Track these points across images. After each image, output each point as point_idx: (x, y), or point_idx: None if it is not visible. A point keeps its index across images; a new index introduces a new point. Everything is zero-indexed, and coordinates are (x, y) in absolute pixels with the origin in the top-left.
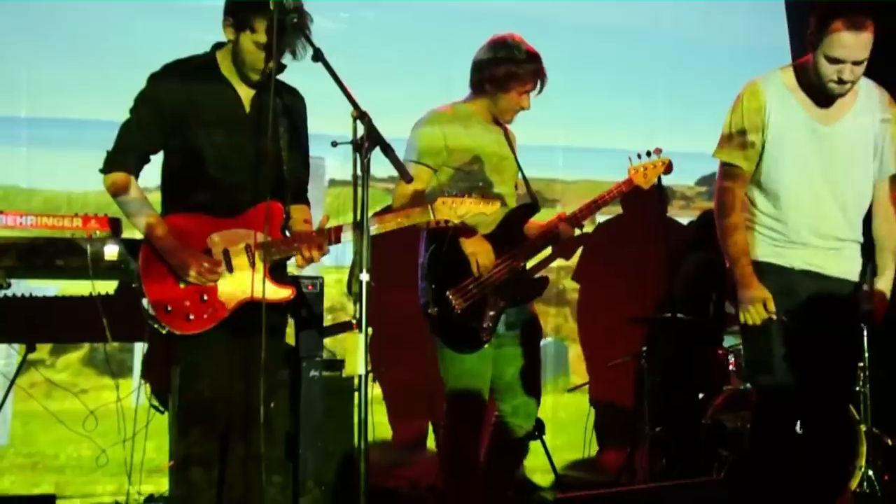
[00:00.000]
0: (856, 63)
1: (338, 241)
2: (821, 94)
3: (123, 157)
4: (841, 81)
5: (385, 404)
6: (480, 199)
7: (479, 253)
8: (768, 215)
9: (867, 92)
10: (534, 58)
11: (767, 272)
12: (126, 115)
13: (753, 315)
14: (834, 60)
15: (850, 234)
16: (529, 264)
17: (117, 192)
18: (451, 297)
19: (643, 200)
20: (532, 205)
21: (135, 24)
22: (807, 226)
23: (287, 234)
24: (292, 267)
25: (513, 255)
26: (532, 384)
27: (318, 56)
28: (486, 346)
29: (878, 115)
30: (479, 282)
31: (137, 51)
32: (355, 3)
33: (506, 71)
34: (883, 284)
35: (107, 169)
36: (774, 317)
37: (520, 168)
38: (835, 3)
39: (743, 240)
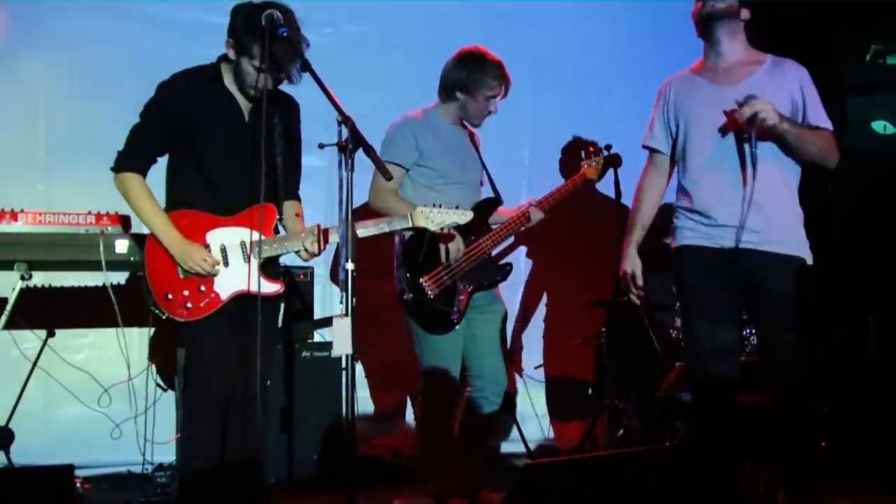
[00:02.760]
0: None
1: (325, 241)
2: (720, 68)
3: (132, 157)
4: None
5: (367, 381)
6: (455, 209)
7: (450, 244)
8: (696, 198)
9: (773, 61)
10: (498, 66)
11: (697, 254)
12: (136, 119)
13: (625, 291)
14: None
15: (782, 195)
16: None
17: (126, 189)
18: (424, 283)
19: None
20: (495, 199)
21: (143, 39)
22: (729, 199)
23: (280, 230)
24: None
25: (479, 244)
26: (500, 361)
27: (305, 67)
28: (457, 327)
29: (790, 76)
30: (449, 269)
31: (146, 62)
32: (339, 20)
33: (475, 79)
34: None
35: (117, 168)
36: (639, 294)
37: (484, 166)
38: None
39: (641, 217)
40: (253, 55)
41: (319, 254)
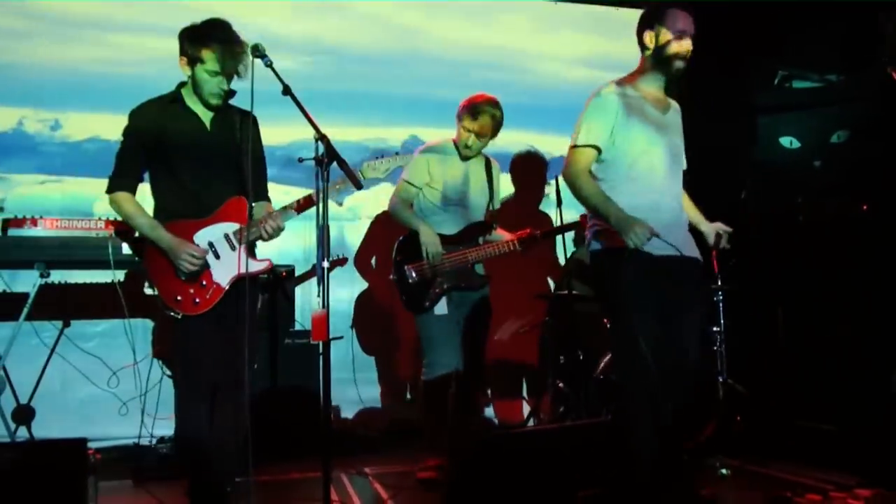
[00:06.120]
0: (692, 37)
1: (308, 205)
2: (655, 95)
3: (120, 179)
4: (686, 56)
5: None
6: (395, 155)
7: (429, 244)
8: (641, 212)
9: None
10: (488, 112)
11: (639, 256)
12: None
13: (640, 237)
14: (680, 33)
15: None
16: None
17: (119, 207)
18: (406, 269)
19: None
20: (486, 223)
21: (146, 70)
22: (658, 206)
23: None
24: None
25: (464, 253)
26: (480, 352)
27: (287, 91)
28: (445, 312)
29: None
30: (431, 265)
31: (147, 92)
32: (315, 50)
33: (461, 114)
34: (708, 226)
35: (109, 190)
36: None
37: (490, 193)
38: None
39: (597, 191)
40: (203, 60)
41: (298, 212)
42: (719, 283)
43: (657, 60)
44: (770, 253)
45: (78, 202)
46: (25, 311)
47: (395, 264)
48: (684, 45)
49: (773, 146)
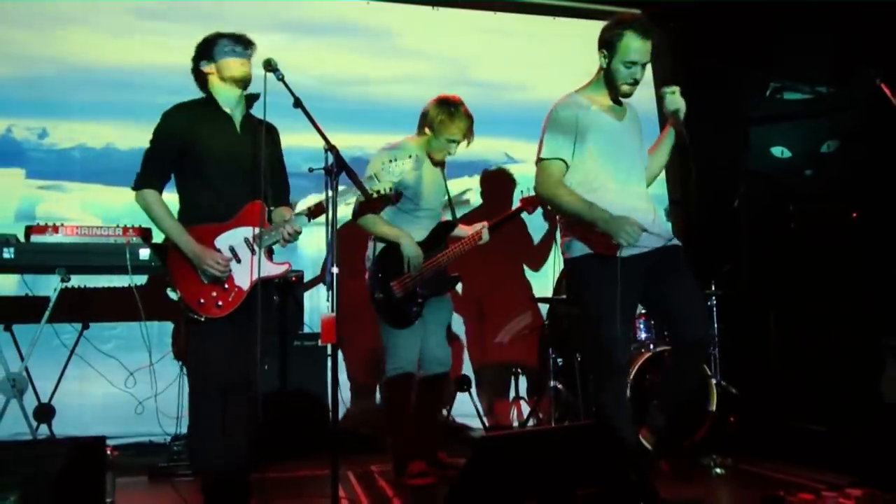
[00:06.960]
0: (643, 65)
1: (318, 213)
2: (609, 105)
3: (148, 176)
4: (634, 83)
5: (345, 365)
6: (408, 158)
7: (412, 256)
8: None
9: (632, 106)
10: (466, 118)
11: (602, 262)
12: (148, 145)
13: (632, 235)
14: (629, 64)
15: (651, 201)
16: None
17: (146, 204)
18: (393, 286)
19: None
20: (452, 222)
21: (161, 86)
22: (626, 212)
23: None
24: None
25: (437, 258)
26: (446, 347)
27: (297, 104)
28: (416, 323)
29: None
30: (413, 277)
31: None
32: (320, 65)
33: (442, 121)
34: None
35: (136, 186)
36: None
37: (448, 193)
38: (623, 18)
39: (578, 198)
40: (212, 58)
41: (310, 219)
42: (713, 287)
43: (607, 80)
44: (762, 258)
45: (67, 208)
46: (47, 313)
47: (377, 284)
48: (632, 75)
49: (765, 155)
